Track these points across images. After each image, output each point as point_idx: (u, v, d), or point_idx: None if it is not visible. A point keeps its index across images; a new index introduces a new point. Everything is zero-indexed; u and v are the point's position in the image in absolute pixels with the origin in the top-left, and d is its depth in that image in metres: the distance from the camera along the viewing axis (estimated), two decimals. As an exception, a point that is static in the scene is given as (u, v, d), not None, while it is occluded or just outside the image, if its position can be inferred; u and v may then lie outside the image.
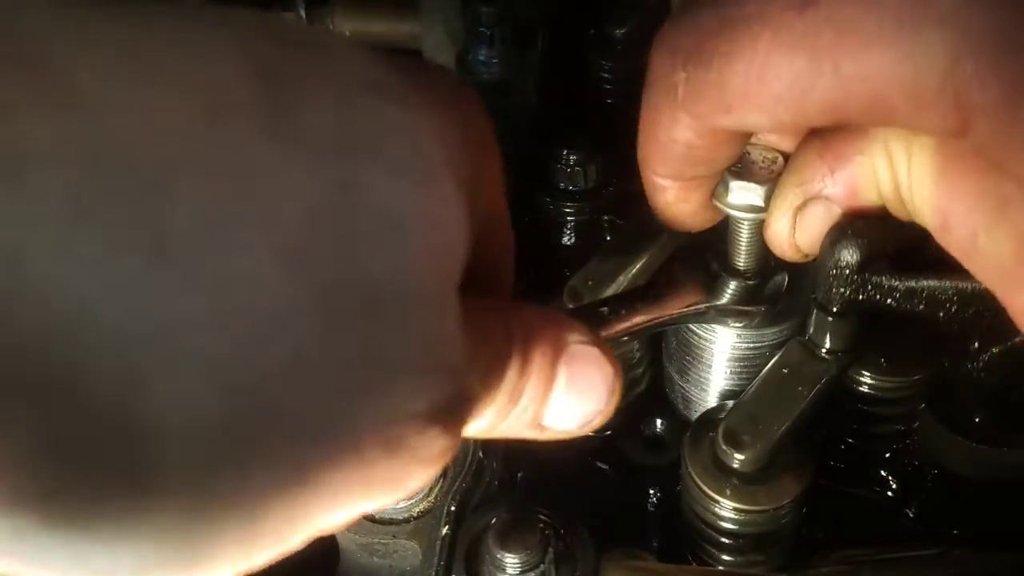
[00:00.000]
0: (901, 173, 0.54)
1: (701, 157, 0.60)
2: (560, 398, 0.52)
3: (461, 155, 0.43)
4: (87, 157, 0.29)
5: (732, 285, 0.72)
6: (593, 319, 0.67)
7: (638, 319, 0.70)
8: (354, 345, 0.36)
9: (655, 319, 0.70)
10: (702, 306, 0.72)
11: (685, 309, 0.72)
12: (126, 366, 0.30)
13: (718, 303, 0.72)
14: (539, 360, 0.51)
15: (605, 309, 0.69)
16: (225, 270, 0.32)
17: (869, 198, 0.57)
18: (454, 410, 0.44)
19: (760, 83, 0.50)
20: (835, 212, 0.59)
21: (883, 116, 0.48)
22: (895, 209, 0.57)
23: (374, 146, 0.37)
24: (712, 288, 0.73)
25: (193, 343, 0.31)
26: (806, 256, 0.63)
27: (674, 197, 0.64)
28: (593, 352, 0.53)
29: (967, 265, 0.52)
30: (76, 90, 0.30)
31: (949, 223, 0.51)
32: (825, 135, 0.59)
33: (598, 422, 0.54)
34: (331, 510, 0.39)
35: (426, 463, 0.43)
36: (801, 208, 0.61)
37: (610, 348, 0.55)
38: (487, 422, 0.50)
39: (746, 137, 0.61)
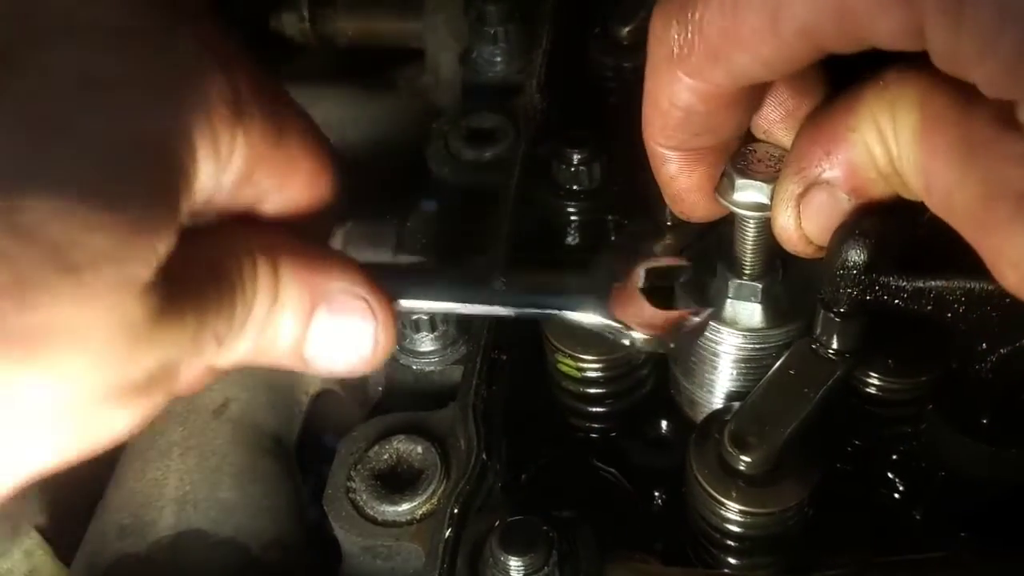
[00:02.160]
0: (891, 144, 0.54)
1: (703, 123, 0.60)
2: (320, 339, 0.59)
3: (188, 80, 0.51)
4: None
5: (733, 283, 0.72)
6: (485, 291, 0.69)
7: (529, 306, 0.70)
8: None
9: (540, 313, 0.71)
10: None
11: (579, 315, 0.70)
12: None
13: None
14: (292, 300, 0.58)
15: (502, 282, 0.69)
16: None
17: (868, 176, 0.57)
18: (151, 382, 0.50)
19: (735, 16, 0.52)
20: (838, 196, 0.59)
21: (852, 29, 0.49)
22: (897, 186, 0.57)
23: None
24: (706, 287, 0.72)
25: None
26: (818, 250, 0.63)
27: (677, 169, 0.64)
28: (358, 304, 0.60)
29: (950, 222, 0.52)
30: None
31: (931, 183, 0.52)
32: (817, 119, 0.59)
33: (363, 368, 0.61)
34: None
35: (118, 427, 0.49)
36: (803, 196, 0.60)
37: (386, 303, 0.61)
38: (231, 355, 0.56)
39: (746, 101, 0.60)
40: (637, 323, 0.69)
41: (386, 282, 0.64)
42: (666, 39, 0.57)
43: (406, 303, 0.66)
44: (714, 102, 0.58)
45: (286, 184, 0.60)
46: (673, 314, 0.71)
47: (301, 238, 0.60)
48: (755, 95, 0.61)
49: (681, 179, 0.65)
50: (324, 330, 0.59)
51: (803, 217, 0.61)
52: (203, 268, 0.53)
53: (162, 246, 0.48)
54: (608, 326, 0.69)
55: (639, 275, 0.71)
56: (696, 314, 0.71)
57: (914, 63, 0.52)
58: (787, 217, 0.62)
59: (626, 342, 0.70)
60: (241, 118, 0.54)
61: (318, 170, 0.61)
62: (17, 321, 0.42)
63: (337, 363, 0.60)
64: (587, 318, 0.70)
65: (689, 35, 0.55)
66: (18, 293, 0.42)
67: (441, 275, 0.71)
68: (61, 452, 0.47)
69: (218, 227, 0.57)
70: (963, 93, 0.49)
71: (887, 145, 0.55)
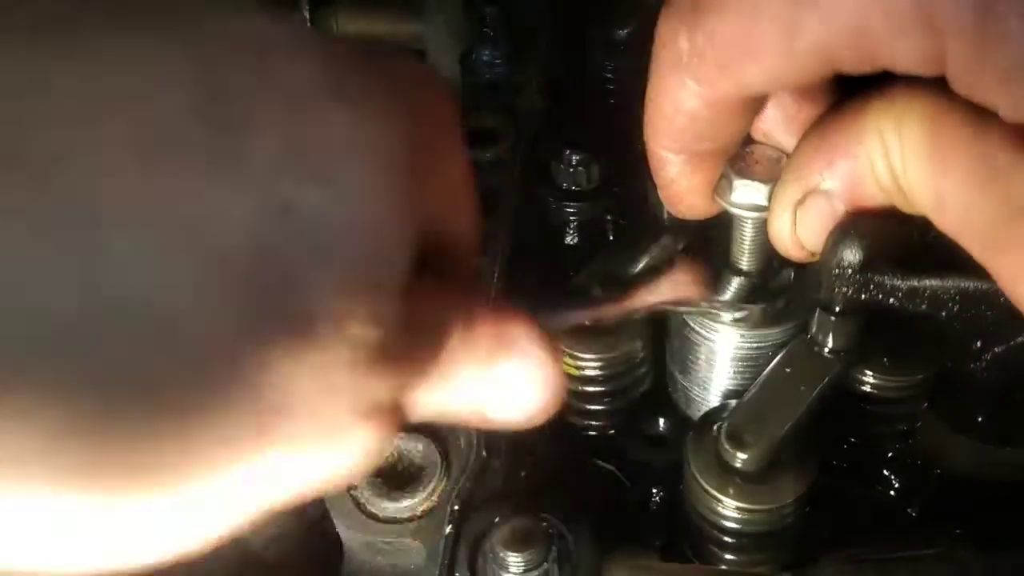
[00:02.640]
0: (895, 160, 0.54)
1: (706, 129, 0.60)
2: (501, 390, 0.55)
3: (408, 148, 0.45)
4: (35, 212, 0.33)
5: (734, 282, 0.72)
6: (585, 300, 0.70)
7: (632, 304, 0.70)
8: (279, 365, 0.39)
9: (650, 305, 0.71)
10: (701, 300, 0.72)
11: (681, 299, 0.72)
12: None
13: (717, 298, 0.72)
14: (482, 351, 0.53)
15: (599, 290, 0.69)
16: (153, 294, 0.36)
17: (869, 191, 0.57)
18: (390, 408, 0.47)
19: (750, 29, 0.52)
20: (836, 206, 0.59)
21: (868, 50, 0.49)
22: (897, 200, 0.57)
23: (318, 162, 0.40)
24: (713, 283, 0.73)
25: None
26: (811, 254, 0.63)
27: (678, 172, 0.64)
28: (536, 349, 0.56)
29: (962, 242, 0.52)
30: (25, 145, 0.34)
31: (944, 202, 0.52)
32: (822, 129, 0.59)
33: (539, 418, 0.57)
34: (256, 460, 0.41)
35: (356, 455, 0.46)
36: (800, 203, 0.61)
37: (557, 349, 0.57)
38: (424, 407, 0.52)
39: (750, 108, 0.60)
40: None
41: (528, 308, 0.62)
42: (673, 45, 0.56)
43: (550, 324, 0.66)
44: (719, 109, 0.58)
45: (454, 216, 0.55)
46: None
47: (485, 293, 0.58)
48: (760, 102, 0.62)
49: (681, 181, 0.65)
50: (507, 380, 0.55)
51: (799, 223, 0.62)
52: (417, 316, 0.48)
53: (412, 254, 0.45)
54: (711, 303, 0.73)
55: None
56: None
57: (923, 79, 0.52)
58: (783, 222, 0.62)
59: (728, 316, 0.73)
60: (434, 160, 0.50)
61: (474, 203, 0.57)
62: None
63: (516, 413, 0.56)
64: (691, 303, 0.72)
65: (699, 43, 0.55)
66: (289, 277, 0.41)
67: (551, 299, 0.72)
68: (298, 453, 0.44)
69: (419, 281, 0.51)
70: (975, 112, 0.49)
71: (891, 160, 0.54)
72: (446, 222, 0.54)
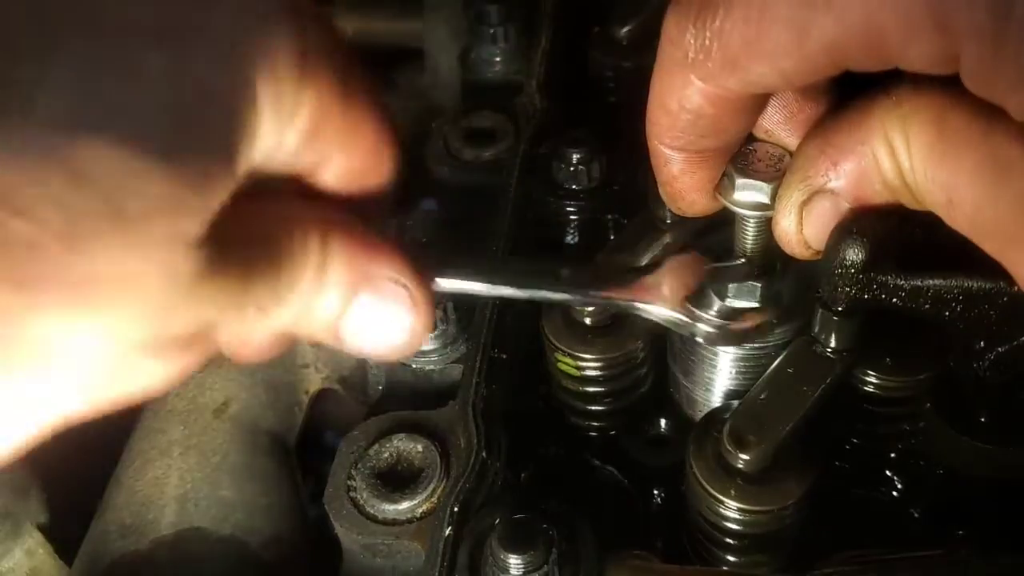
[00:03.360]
0: (902, 158, 0.54)
1: (710, 126, 0.60)
2: (357, 320, 0.59)
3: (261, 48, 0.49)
4: None
5: (713, 308, 0.71)
6: (549, 277, 0.70)
7: (596, 294, 0.71)
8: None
9: (609, 299, 0.71)
10: (667, 311, 0.71)
11: (648, 304, 0.71)
12: None
13: (681, 318, 0.71)
14: (337, 278, 0.57)
15: (566, 271, 0.70)
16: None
17: (874, 189, 0.57)
18: (191, 340, 0.50)
19: (760, 28, 0.51)
20: (841, 206, 0.59)
21: (880, 51, 0.48)
22: (904, 198, 0.57)
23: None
24: (692, 298, 0.72)
25: None
26: (817, 253, 0.63)
27: (680, 170, 0.64)
28: (401, 292, 0.60)
29: (974, 238, 0.52)
30: None
31: (954, 198, 0.52)
32: (826, 129, 0.59)
33: (394, 355, 0.62)
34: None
35: (152, 380, 0.49)
36: (806, 203, 0.61)
37: (428, 294, 0.61)
38: (269, 321, 0.55)
39: (755, 106, 0.60)
40: (707, 320, 0.70)
41: (435, 262, 0.65)
42: (680, 42, 0.56)
43: (452, 283, 0.66)
44: (724, 106, 0.58)
45: (349, 149, 0.58)
46: (747, 317, 0.71)
47: (356, 217, 0.60)
48: (764, 100, 0.61)
49: (683, 179, 0.65)
50: (364, 313, 0.59)
51: (805, 223, 0.62)
52: (254, 232, 0.53)
53: (215, 201, 0.47)
54: (677, 320, 0.71)
55: (703, 272, 0.72)
56: (762, 317, 0.72)
57: (927, 78, 0.52)
58: (789, 222, 0.62)
59: (692, 333, 0.72)
60: (308, 72, 0.52)
61: (381, 139, 0.60)
62: (66, 266, 0.42)
63: (371, 346, 0.61)
64: (655, 312, 0.71)
65: (707, 41, 0.55)
66: (69, 239, 0.41)
67: (496, 259, 0.71)
68: (93, 400, 0.47)
69: (274, 193, 0.56)
70: (983, 111, 0.49)
71: (897, 160, 0.54)
72: (330, 137, 0.56)
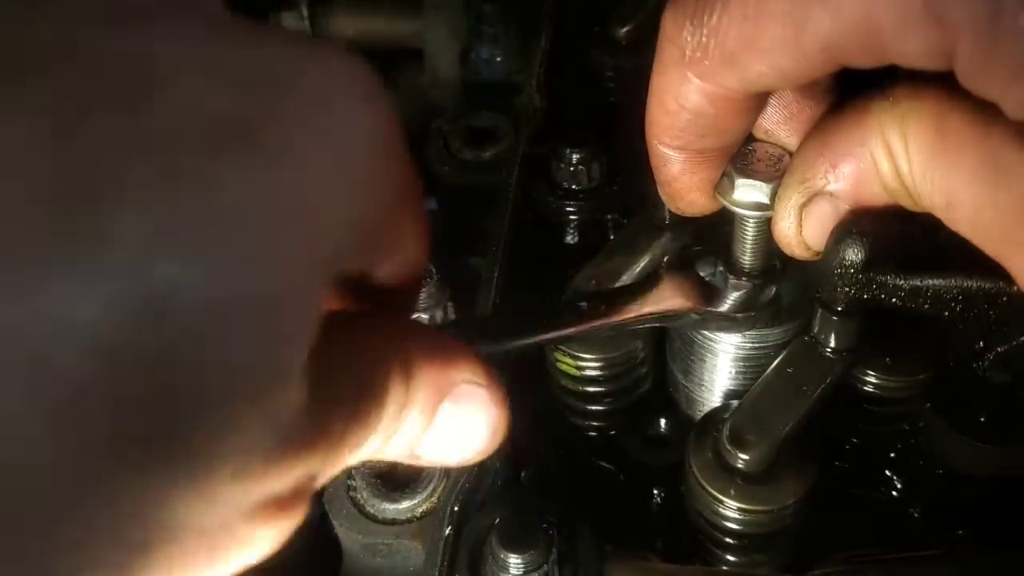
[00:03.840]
0: (900, 160, 0.54)
1: (710, 126, 0.60)
2: (438, 434, 0.52)
3: (327, 191, 0.40)
4: None
5: (727, 294, 0.72)
6: (571, 314, 0.70)
7: (617, 317, 0.71)
8: (172, 445, 0.34)
9: (635, 317, 0.71)
10: (686, 310, 0.72)
11: (668, 311, 0.72)
12: None
13: (703, 309, 0.72)
14: (421, 399, 0.50)
15: (584, 304, 0.70)
16: None
17: (873, 191, 0.57)
18: (296, 493, 0.43)
19: (756, 24, 0.51)
20: (840, 208, 0.59)
21: (876, 46, 0.48)
22: (903, 200, 0.57)
23: (198, 236, 0.34)
24: (703, 293, 0.73)
25: None
26: (816, 254, 0.63)
27: (679, 170, 0.64)
28: (480, 394, 0.53)
29: (975, 240, 0.52)
30: None
31: (953, 200, 0.51)
32: (824, 131, 0.59)
33: (476, 460, 0.55)
34: None
35: (259, 552, 0.43)
36: (805, 206, 0.61)
37: (499, 387, 0.55)
38: (357, 459, 0.49)
39: (754, 105, 0.60)
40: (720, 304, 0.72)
41: (484, 336, 0.65)
42: (678, 40, 0.56)
43: (495, 348, 0.67)
44: (723, 105, 0.58)
45: (404, 245, 0.52)
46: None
47: (429, 331, 0.56)
48: (763, 99, 0.61)
49: (683, 178, 0.65)
50: (446, 425, 0.53)
51: (804, 225, 0.62)
52: (345, 370, 0.46)
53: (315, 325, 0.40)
54: (695, 318, 0.73)
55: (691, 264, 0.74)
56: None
57: (924, 79, 0.52)
58: (788, 224, 0.62)
59: (712, 323, 0.73)
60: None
61: (426, 230, 0.54)
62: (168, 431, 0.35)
63: (454, 456, 0.54)
64: (680, 315, 0.72)
65: (704, 38, 0.54)
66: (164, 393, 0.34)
67: (526, 311, 0.73)
68: (194, 572, 0.40)
69: (352, 321, 0.50)
70: (980, 111, 0.49)
71: (896, 161, 0.54)
72: (382, 252, 0.49)
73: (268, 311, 0.36)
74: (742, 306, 0.72)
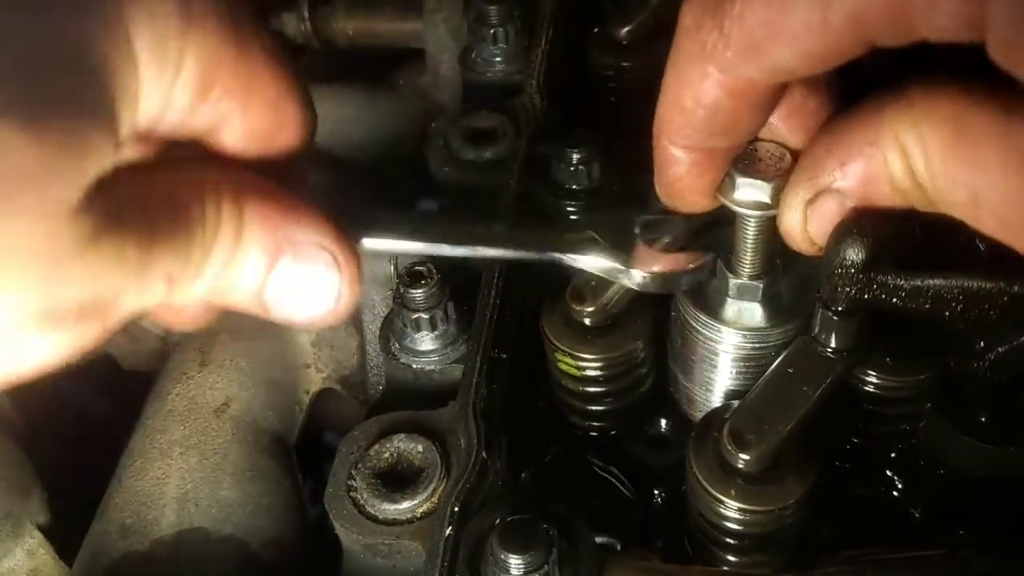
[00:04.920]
0: (916, 161, 0.54)
1: (725, 123, 0.59)
2: (281, 287, 0.57)
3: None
4: None
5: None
6: (483, 234, 0.70)
7: (523, 250, 0.72)
8: None
9: (544, 253, 0.72)
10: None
11: (581, 257, 0.72)
12: None
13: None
14: (255, 243, 0.55)
15: (499, 228, 0.72)
16: None
17: (882, 190, 0.57)
18: (81, 310, 0.47)
19: (781, 8, 0.51)
20: (847, 205, 0.59)
21: (905, 18, 0.48)
22: (915, 200, 0.56)
23: None
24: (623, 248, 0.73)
25: None
26: (820, 249, 0.63)
27: (686, 171, 0.63)
28: (324, 256, 0.58)
29: (1003, 237, 0.51)
30: None
31: (979, 197, 0.51)
32: (835, 129, 0.59)
33: (324, 320, 0.60)
34: None
35: (38, 355, 0.47)
36: (812, 202, 0.60)
37: (351, 256, 0.59)
38: (190, 292, 0.53)
39: (771, 99, 0.60)
40: (640, 264, 0.71)
41: (360, 222, 0.64)
42: (697, 34, 0.56)
43: (380, 242, 0.65)
44: (741, 99, 0.57)
45: (248, 105, 0.55)
46: (679, 256, 0.72)
47: (270, 179, 0.58)
48: (780, 93, 0.61)
49: (688, 180, 0.65)
50: (287, 279, 0.57)
51: (810, 221, 0.61)
52: (156, 198, 0.50)
53: (93, 166, 0.45)
54: (611, 268, 0.72)
55: (639, 224, 0.73)
56: (698, 259, 0.73)
57: (937, 79, 0.51)
58: (794, 219, 0.62)
59: (627, 282, 0.72)
60: (192, 21, 0.49)
61: (284, 92, 0.57)
62: None
63: (298, 313, 0.59)
64: (588, 261, 0.72)
65: (725, 28, 0.54)
66: None
67: (424, 217, 0.71)
68: None
69: (180, 160, 0.54)
70: (1003, 105, 0.49)
71: (910, 162, 0.54)
72: (224, 92, 0.53)
73: (33, 152, 0.42)
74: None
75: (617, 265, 0.72)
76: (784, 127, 0.64)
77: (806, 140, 0.64)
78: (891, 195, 0.57)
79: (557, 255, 0.72)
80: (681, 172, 0.64)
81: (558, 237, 0.73)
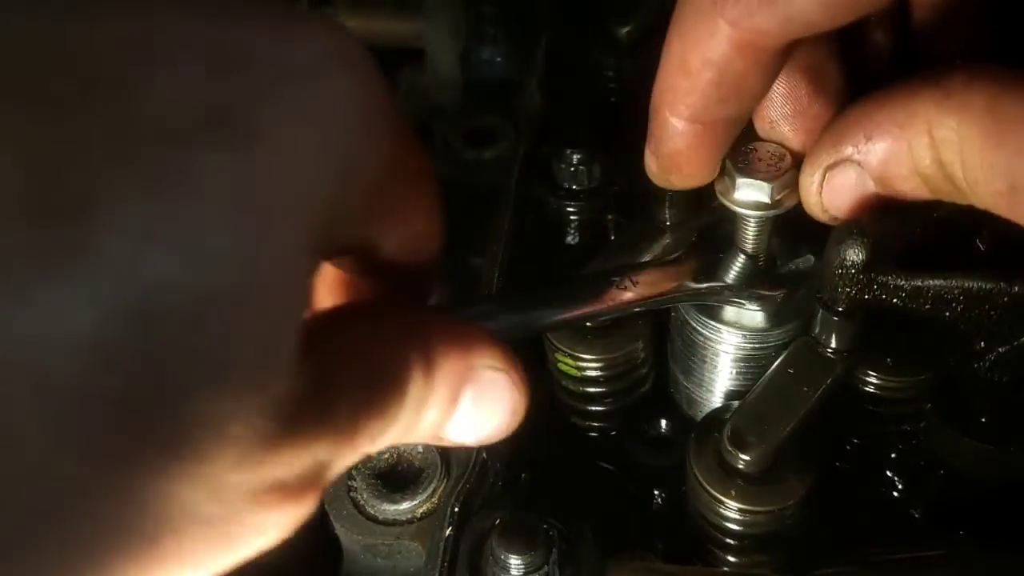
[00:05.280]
0: (947, 150, 0.53)
1: (733, 84, 0.58)
2: (461, 419, 0.54)
3: (323, 175, 0.40)
4: None
5: (741, 262, 0.73)
6: (601, 286, 0.71)
7: (651, 290, 0.71)
8: (162, 428, 0.35)
9: (668, 292, 0.72)
10: (716, 284, 0.73)
11: (698, 285, 0.72)
12: None
13: (731, 282, 0.73)
14: (443, 389, 0.51)
15: (616, 279, 0.71)
16: None
17: (901, 173, 0.57)
18: (306, 479, 0.44)
19: None
20: (866, 182, 0.59)
21: None
22: (936, 188, 0.56)
23: (184, 232, 0.34)
24: (722, 265, 0.73)
25: None
26: (833, 219, 0.63)
27: (686, 144, 0.62)
28: (501, 379, 0.55)
29: None
30: None
31: (1018, 182, 0.50)
32: (868, 104, 0.58)
33: (498, 439, 0.57)
34: None
35: (270, 537, 0.44)
36: (831, 168, 0.60)
37: (520, 369, 0.56)
38: (378, 447, 0.49)
39: (780, 60, 0.58)
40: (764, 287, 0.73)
41: (519, 313, 0.67)
42: None
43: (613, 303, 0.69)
44: (753, 57, 0.56)
45: (407, 216, 0.52)
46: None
47: (449, 318, 0.57)
48: (786, 56, 0.59)
49: (687, 153, 0.63)
50: (468, 410, 0.54)
51: (825, 187, 0.61)
52: (354, 358, 0.46)
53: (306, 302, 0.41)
54: (741, 293, 0.73)
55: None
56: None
57: (975, 69, 0.51)
58: (812, 181, 0.62)
59: (752, 306, 0.74)
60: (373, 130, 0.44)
61: (435, 203, 0.54)
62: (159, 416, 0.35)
63: (478, 437, 0.56)
64: (716, 294, 0.73)
65: None
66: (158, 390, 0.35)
67: (551, 287, 0.73)
68: (206, 561, 0.41)
69: (370, 313, 0.51)
70: None
71: (938, 152, 0.54)
72: (382, 223, 0.49)
73: (250, 302, 0.37)
74: (762, 279, 0.73)
75: (752, 291, 0.73)
76: (786, 125, 0.64)
77: (807, 141, 0.64)
78: (910, 179, 0.57)
79: (691, 296, 0.73)
80: (681, 146, 0.62)
81: (670, 271, 0.73)
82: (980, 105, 0.51)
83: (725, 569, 0.77)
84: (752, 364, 0.77)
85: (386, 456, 0.80)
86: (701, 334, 0.78)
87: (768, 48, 0.56)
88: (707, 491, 0.71)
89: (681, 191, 0.69)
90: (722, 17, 0.55)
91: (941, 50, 0.63)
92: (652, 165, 0.66)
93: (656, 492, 0.89)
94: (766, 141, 0.66)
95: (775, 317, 0.75)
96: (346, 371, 0.45)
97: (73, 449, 0.32)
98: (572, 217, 0.98)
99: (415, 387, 0.49)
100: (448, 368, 0.52)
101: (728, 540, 0.74)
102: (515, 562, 0.66)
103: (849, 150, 0.59)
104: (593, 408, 0.89)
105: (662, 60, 0.60)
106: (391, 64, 1.43)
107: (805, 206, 0.64)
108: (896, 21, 0.65)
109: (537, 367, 0.90)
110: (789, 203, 0.66)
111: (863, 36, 0.65)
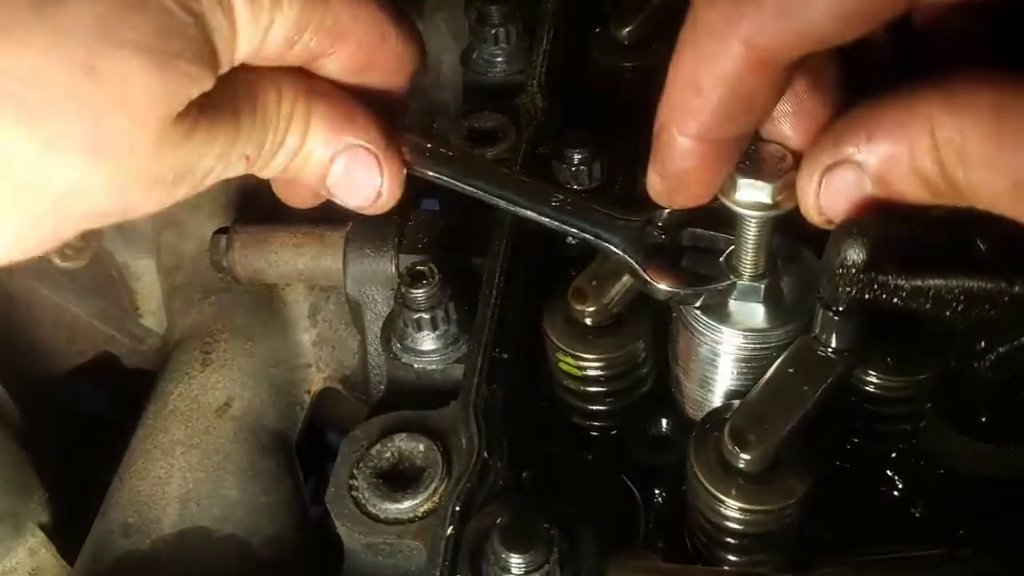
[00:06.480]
0: (949, 151, 0.53)
1: (744, 102, 0.58)
2: (337, 178, 0.73)
3: None
4: None
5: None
6: (542, 191, 0.77)
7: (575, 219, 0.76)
8: None
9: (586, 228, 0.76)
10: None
11: (613, 250, 0.75)
12: None
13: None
14: (321, 135, 0.71)
15: (559, 195, 0.77)
16: None
17: (901, 173, 0.57)
18: (176, 176, 0.64)
19: None
20: (863, 183, 0.59)
21: None
22: (936, 189, 0.56)
23: None
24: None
25: None
26: (827, 221, 0.63)
27: (694, 163, 0.62)
28: (371, 160, 0.73)
29: None
30: None
31: (1022, 181, 0.51)
32: (871, 106, 0.58)
33: (370, 210, 0.76)
34: None
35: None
36: (831, 168, 0.60)
37: (395, 161, 0.73)
38: (266, 165, 0.70)
39: (789, 76, 0.59)
40: (664, 277, 0.74)
41: (419, 154, 0.76)
42: (719, 5, 0.55)
43: (428, 172, 0.77)
44: (764, 73, 0.56)
45: (339, 45, 0.69)
46: (701, 281, 0.75)
47: (340, 90, 0.72)
48: (794, 71, 0.59)
49: (695, 173, 0.63)
50: (343, 171, 0.73)
51: (824, 189, 0.61)
52: (242, 100, 0.66)
53: (195, 91, 0.61)
54: (632, 268, 0.75)
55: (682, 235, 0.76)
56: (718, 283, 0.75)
57: (977, 72, 0.52)
58: (811, 183, 0.62)
59: (643, 287, 0.75)
60: None
61: (376, 37, 0.71)
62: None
63: (350, 200, 0.75)
64: (614, 253, 0.75)
65: None
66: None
67: (478, 160, 0.82)
68: (114, 208, 0.63)
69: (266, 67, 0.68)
70: None
71: (940, 153, 0.54)
72: (312, 40, 0.67)
73: (158, 84, 0.59)
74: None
75: (638, 269, 0.74)
76: (785, 124, 0.64)
77: (807, 140, 0.64)
78: (910, 180, 0.57)
79: (587, 235, 0.75)
80: (689, 165, 0.62)
81: (602, 212, 0.76)
82: (984, 106, 0.51)
83: (725, 568, 0.77)
84: (753, 364, 0.77)
85: (387, 455, 0.80)
86: (702, 334, 0.78)
87: (780, 64, 0.56)
88: (707, 490, 0.71)
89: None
90: (735, 35, 0.55)
91: (941, 50, 0.64)
92: (657, 185, 0.66)
93: (656, 491, 0.89)
94: (767, 141, 0.66)
95: (776, 317, 0.75)
96: (230, 108, 0.65)
97: None
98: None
99: (291, 130, 0.69)
100: (326, 128, 0.71)
101: (728, 539, 0.74)
102: (516, 561, 0.66)
103: (850, 150, 0.58)
104: (594, 407, 0.89)
105: (670, 78, 0.60)
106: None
107: (801, 207, 0.63)
108: (896, 22, 0.65)
109: (538, 368, 0.90)
110: (789, 204, 0.66)
111: (864, 37, 0.65)
